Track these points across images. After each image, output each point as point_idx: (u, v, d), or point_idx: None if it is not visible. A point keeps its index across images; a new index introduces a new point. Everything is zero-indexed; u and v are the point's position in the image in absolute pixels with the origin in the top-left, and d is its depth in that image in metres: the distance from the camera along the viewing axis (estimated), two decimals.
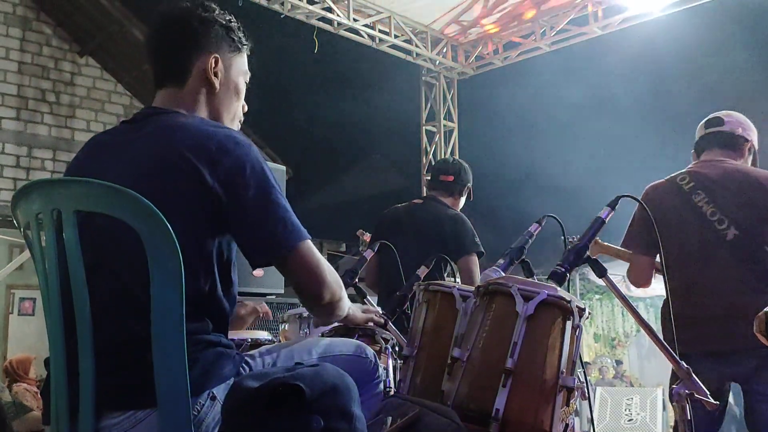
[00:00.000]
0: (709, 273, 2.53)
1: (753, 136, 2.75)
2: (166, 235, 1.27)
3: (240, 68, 1.67)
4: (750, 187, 2.56)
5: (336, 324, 2.19)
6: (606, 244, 2.95)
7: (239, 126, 1.71)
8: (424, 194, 3.62)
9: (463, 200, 3.60)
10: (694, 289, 2.52)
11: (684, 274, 2.54)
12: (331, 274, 1.51)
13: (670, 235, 2.61)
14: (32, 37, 8.78)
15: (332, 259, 10.12)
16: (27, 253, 3.27)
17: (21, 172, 8.52)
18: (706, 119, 2.77)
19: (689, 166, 2.73)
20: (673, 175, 2.72)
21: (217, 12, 1.62)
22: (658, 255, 2.68)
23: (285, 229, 1.44)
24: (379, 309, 2.17)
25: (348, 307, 1.68)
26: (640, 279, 2.73)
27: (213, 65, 1.58)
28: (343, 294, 1.58)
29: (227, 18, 1.63)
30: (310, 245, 1.48)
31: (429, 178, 3.67)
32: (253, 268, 1.50)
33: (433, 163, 3.87)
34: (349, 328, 2.14)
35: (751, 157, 2.75)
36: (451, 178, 3.52)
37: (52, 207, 1.34)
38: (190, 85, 1.58)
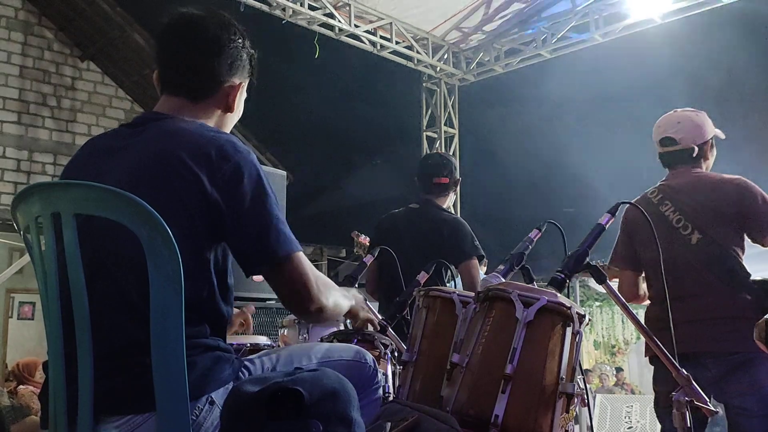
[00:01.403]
0: (677, 278, 2.57)
1: (708, 130, 2.78)
2: (166, 239, 1.26)
3: (245, 91, 1.70)
4: (712, 192, 2.63)
5: (335, 329, 2.19)
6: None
7: None
8: (420, 198, 3.54)
9: (453, 194, 3.56)
10: (668, 295, 2.54)
11: (658, 281, 2.58)
12: (318, 285, 1.49)
13: (646, 247, 2.70)
14: (34, 41, 8.80)
15: (332, 265, 10.12)
16: (27, 257, 3.27)
17: (22, 176, 8.52)
18: (659, 137, 2.80)
19: (661, 180, 2.81)
20: (646, 191, 2.81)
21: (245, 39, 1.63)
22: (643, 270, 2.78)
23: (277, 240, 1.43)
24: (378, 316, 2.16)
25: (348, 304, 1.68)
26: (628, 294, 2.79)
27: (237, 92, 1.62)
28: (333, 299, 1.56)
29: (249, 44, 1.65)
30: (299, 257, 1.47)
31: (419, 179, 3.52)
32: (246, 276, 1.49)
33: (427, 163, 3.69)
34: (349, 333, 2.14)
35: (714, 149, 2.83)
36: (446, 180, 3.45)
37: (52, 210, 1.33)
38: (206, 104, 1.59)
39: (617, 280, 2.85)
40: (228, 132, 1.67)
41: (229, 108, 1.62)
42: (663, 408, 2.58)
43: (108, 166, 1.46)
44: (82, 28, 8.91)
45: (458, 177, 3.55)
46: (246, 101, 1.73)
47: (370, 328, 2.15)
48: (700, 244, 2.58)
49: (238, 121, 1.75)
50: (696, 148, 2.74)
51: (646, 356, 2.68)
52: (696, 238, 2.59)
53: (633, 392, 10.97)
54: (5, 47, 8.55)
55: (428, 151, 8.78)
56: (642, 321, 1.87)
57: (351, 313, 1.80)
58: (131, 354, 1.33)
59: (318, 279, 1.50)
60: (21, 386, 5.55)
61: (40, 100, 8.76)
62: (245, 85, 1.67)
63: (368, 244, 3.81)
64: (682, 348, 2.44)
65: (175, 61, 1.59)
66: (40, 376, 5.70)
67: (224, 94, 1.60)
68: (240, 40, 1.61)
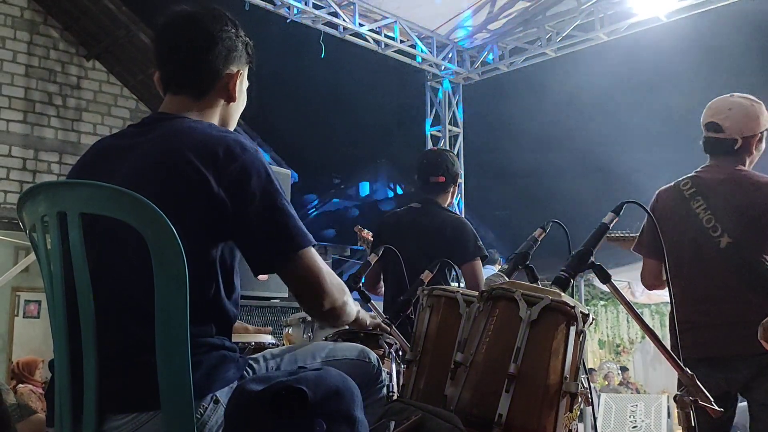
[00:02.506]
0: (703, 280, 2.54)
1: (761, 123, 2.64)
2: (171, 238, 1.27)
3: (246, 78, 1.70)
4: (748, 195, 2.54)
5: (339, 328, 2.19)
6: (619, 234, 2.93)
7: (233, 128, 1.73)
8: (421, 197, 3.50)
9: (455, 188, 3.52)
10: (691, 296, 2.52)
11: (681, 280, 2.55)
12: (332, 281, 1.50)
13: (669, 240, 2.63)
14: (39, 40, 8.83)
15: (337, 264, 10.13)
16: (32, 256, 3.28)
17: (27, 174, 8.55)
18: (706, 120, 2.68)
19: (697, 169, 2.71)
20: (679, 179, 2.71)
21: (239, 27, 1.64)
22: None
23: (289, 235, 1.44)
24: (383, 315, 2.17)
25: (356, 311, 1.68)
26: (648, 281, 2.76)
27: (237, 81, 1.62)
28: (347, 299, 1.57)
29: (243, 33, 1.66)
30: (312, 252, 1.48)
31: (417, 179, 3.49)
32: (255, 275, 1.49)
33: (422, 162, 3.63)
34: (353, 333, 2.14)
35: (763, 144, 2.68)
36: (442, 179, 3.40)
37: (58, 209, 1.34)
38: (209, 97, 1.60)
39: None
40: (235, 121, 1.70)
41: (231, 98, 1.63)
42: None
43: (115, 166, 1.47)
44: (87, 27, 8.94)
45: (457, 172, 3.48)
46: (250, 99, 1.74)
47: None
48: (729, 249, 2.50)
49: (243, 120, 1.76)
50: (739, 141, 2.59)
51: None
52: (725, 242, 2.51)
53: (638, 391, 10.95)
54: (11, 46, 8.58)
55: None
56: (646, 320, 1.86)
57: (357, 322, 1.80)
58: (136, 353, 1.33)
59: (332, 276, 1.51)
60: (20, 385, 5.55)
61: (46, 99, 8.78)
62: (244, 72, 1.67)
63: (371, 239, 3.80)
64: (712, 352, 2.44)
65: (172, 61, 1.60)
66: (39, 374, 5.72)
67: (224, 84, 1.61)
68: (233, 30, 1.61)
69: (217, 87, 1.60)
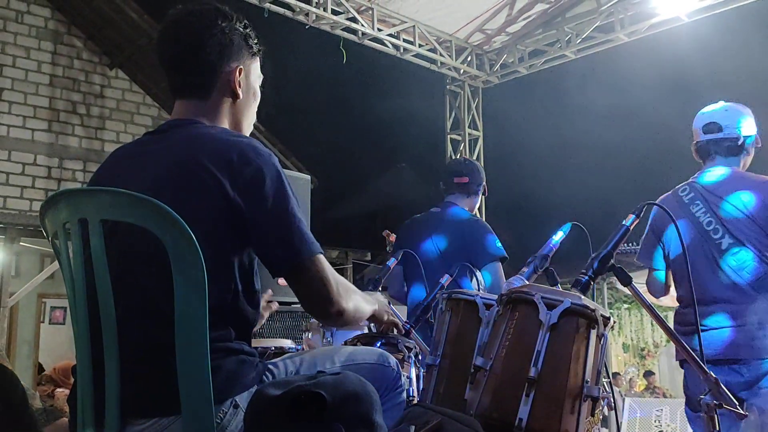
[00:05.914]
0: (708, 282, 2.54)
1: (754, 123, 2.70)
2: (190, 243, 1.28)
3: (256, 72, 1.68)
4: (747, 194, 2.55)
5: (359, 332, 2.20)
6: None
7: (252, 128, 1.71)
8: (443, 201, 3.53)
9: (479, 199, 3.56)
10: (699, 298, 2.51)
11: (687, 284, 2.54)
12: (338, 288, 1.49)
13: (673, 247, 2.64)
14: (63, 50, 8.97)
15: (358, 268, 10.13)
16: (58, 263, 3.32)
17: (52, 183, 8.68)
18: (704, 122, 2.71)
19: (693, 176, 2.73)
20: (677, 186, 2.73)
21: (234, 19, 1.61)
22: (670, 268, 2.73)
23: (301, 242, 1.44)
24: (402, 320, 2.17)
25: (369, 309, 1.68)
26: (655, 292, 2.76)
27: (237, 76, 1.60)
28: (356, 303, 1.56)
29: (244, 24, 1.63)
30: (321, 259, 1.48)
31: (443, 182, 3.55)
32: (273, 277, 1.50)
33: (449, 164, 3.70)
34: (373, 337, 2.14)
35: (753, 149, 2.74)
36: (466, 179, 3.44)
37: (79, 216, 1.36)
38: (214, 97, 1.59)
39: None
40: (249, 119, 1.67)
41: (235, 94, 1.60)
42: (695, 413, 2.54)
43: (133, 173, 1.48)
44: (110, 36, 9.06)
45: (482, 180, 3.51)
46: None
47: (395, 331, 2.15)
48: (731, 250, 2.51)
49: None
50: (741, 138, 2.64)
51: (676, 360, 2.65)
52: (727, 243, 2.52)
53: (665, 396, 10.80)
54: (35, 56, 8.73)
55: (452, 154, 8.77)
56: (670, 324, 1.85)
57: (375, 318, 1.80)
58: (157, 358, 1.34)
59: (338, 282, 1.50)
60: (58, 390, 5.67)
61: (70, 108, 8.92)
62: (249, 67, 1.63)
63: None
64: (716, 354, 2.42)
65: (169, 66, 1.60)
66: None
67: (225, 81, 1.58)
68: (225, 24, 1.58)
69: (219, 85, 1.58)
